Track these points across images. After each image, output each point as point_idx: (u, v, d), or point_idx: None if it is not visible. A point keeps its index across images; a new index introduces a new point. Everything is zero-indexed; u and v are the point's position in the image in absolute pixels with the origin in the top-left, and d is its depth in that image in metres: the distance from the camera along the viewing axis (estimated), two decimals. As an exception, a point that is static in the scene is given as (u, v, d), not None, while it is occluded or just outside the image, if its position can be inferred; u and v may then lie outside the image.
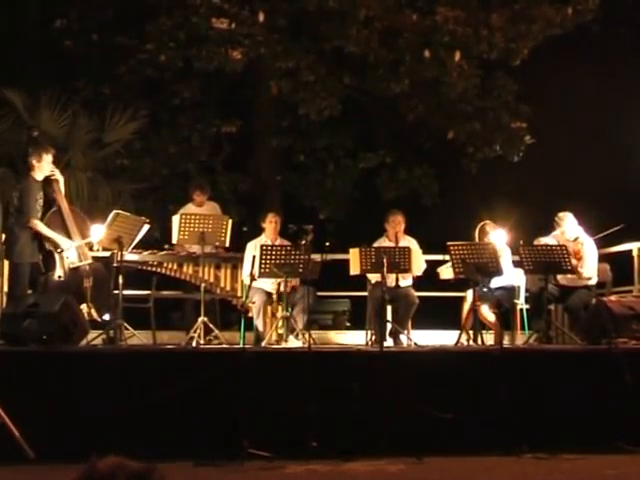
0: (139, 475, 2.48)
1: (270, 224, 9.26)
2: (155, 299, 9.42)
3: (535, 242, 9.03)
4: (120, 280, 8.19)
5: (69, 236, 8.36)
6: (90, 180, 11.63)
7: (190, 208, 9.81)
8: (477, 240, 9.20)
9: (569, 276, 8.92)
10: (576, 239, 9.06)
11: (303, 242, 8.43)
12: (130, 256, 8.59)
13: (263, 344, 8.46)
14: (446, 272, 9.14)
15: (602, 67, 14.11)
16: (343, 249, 9.33)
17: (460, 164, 14.02)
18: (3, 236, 8.65)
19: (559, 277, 9.04)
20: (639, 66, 13.58)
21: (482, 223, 9.31)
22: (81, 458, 2.69)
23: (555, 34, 13.21)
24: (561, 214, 9.22)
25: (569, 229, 9.13)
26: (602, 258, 9.37)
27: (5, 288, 8.84)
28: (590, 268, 9.02)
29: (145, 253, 8.84)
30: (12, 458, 5.88)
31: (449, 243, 8.64)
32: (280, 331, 8.67)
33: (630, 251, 10.12)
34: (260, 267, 8.24)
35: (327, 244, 9.25)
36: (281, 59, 12.88)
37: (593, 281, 9.10)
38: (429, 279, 9.46)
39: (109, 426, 6.29)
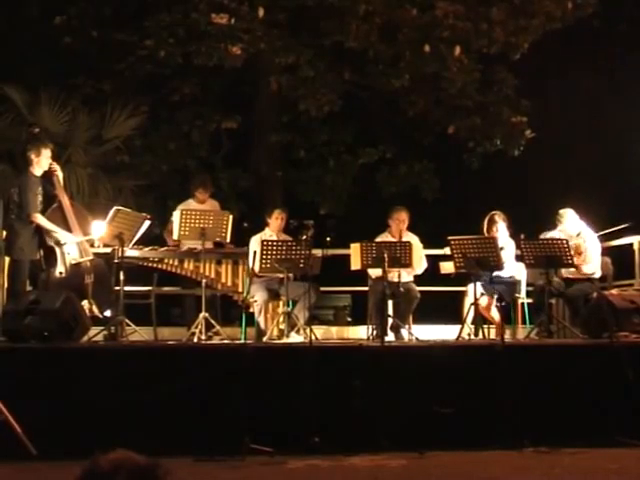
0: (142, 472, 2.46)
1: (276, 220, 9.29)
2: (156, 295, 9.44)
3: (541, 236, 9.03)
4: (121, 276, 8.20)
5: (70, 232, 8.37)
6: (90, 176, 11.64)
7: (191, 204, 9.81)
8: (485, 229, 9.22)
9: (572, 269, 8.93)
10: (578, 234, 9.07)
11: (304, 237, 8.44)
12: (131, 252, 8.59)
13: (264, 340, 8.47)
14: (447, 266, 9.14)
15: (602, 61, 14.10)
16: (343, 244, 9.34)
17: (460, 159, 14.02)
18: (4, 233, 8.65)
19: (563, 270, 9.05)
20: (639, 60, 13.55)
21: (491, 213, 9.33)
22: (83, 454, 2.68)
23: (555, 28, 13.19)
24: (562, 211, 9.23)
25: (570, 225, 9.14)
26: (603, 252, 9.36)
27: (6, 285, 8.83)
28: (592, 264, 9.04)
29: (146, 249, 8.84)
30: (14, 455, 5.90)
31: (450, 237, 8.65)
32: (281, 327, 8.68)
33: (631, 245, 10.12)
34: (261, 262, 8.25)
35: (328, 239, 9.26)
36: (281, 55, 12.86)
37: (597, 275, 9.12)
38: (430, 274, 9.47)
39: (110, 422, 6.30)
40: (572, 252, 8.69)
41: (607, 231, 9.38)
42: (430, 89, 13.38)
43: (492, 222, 9.28)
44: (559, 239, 8.76)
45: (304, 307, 8.64)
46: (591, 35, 14.00)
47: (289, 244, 8.52)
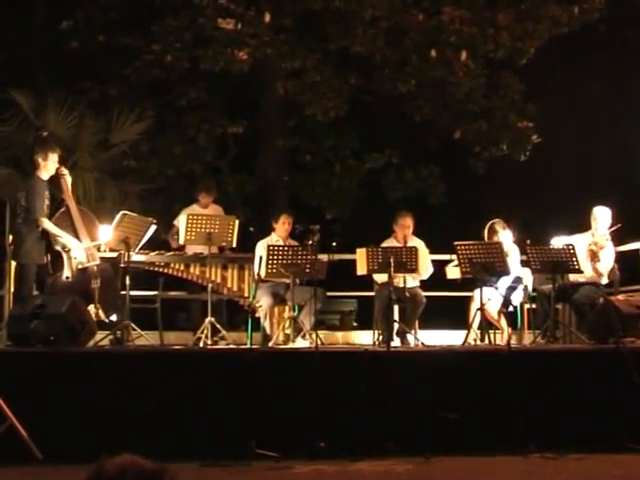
0: (149, 476, 2.45)
1: (283, 225, 9.28)
2: (162, 300, 9.43)
3: (552, 241, 9.01)
4: (127, 281, 8.20)
5: (77, 236, 8.37)
6: (97, 181, 11.64)
7: (194, 209, 9.83)
8: (486, 239, 9.20)
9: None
10: (603, 234, 9.04)
11: (310, 242, 8.44)
12: (137, 257, 8.59)
13: (270, 344, 8.46)
14: (453, 272, 9.13)
15: (608, 66, 14.09)
16: (349, 249, 9.34)
17: (467, 164, 14.02)
18: (10, 237, 8.67)
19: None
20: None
21: (491, 222, 9.30)
22: (88, 459, 2.68)
23: (561, 33, 13.20)
24: (595, 209, 9.18)
25: (603, 224, 9.09)
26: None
27: (13, 289, 8.85)
28: (607, 264, 9.03)
29: (152, 254, 8.84)
30: (20, 459, 5.89)
31: (456, 243, 8.63)
32: (287, 331, 8.67)
33: (637, 250, 10.10)
34: (267, 267, 8.25)
35: (334, 244, 9.27)
36: (287, 59, 12.87)
37: (604, 280, 9.10)
38: (436, 279, 9.46)
39: (115, 427, 6.30)
40: (593, 248, 8.75)
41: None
42: (436, 94, 13.39)
43: (492, 231, 9.24)
44: (566, 244, 8.75)
45: (310, 312, 8.64)
46: (597, 40, 13.98)
47: (295, 249, 8.52)
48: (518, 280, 9.12)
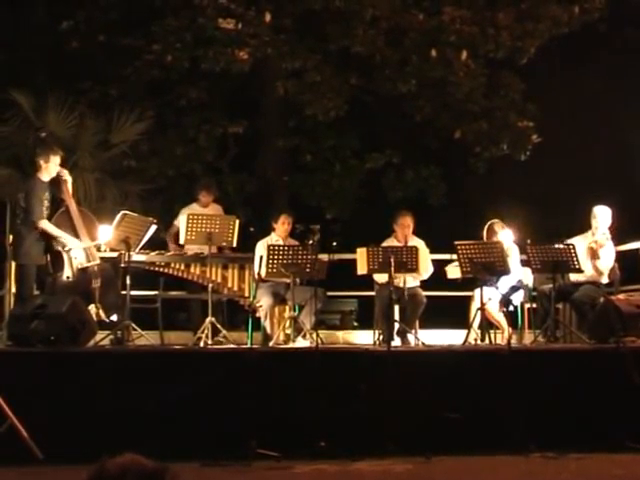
0: (150, 475, 2.45)
1: (283, 225, 9.29)
2: (162, 299, 9.43)
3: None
4: (127, 281, 8.20)
5: (77, 237, 8.37)
6: (97, 181, 11.64)
7: (194, 208, 9.83)
8: (485, 239, 9.20)
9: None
10: (604, 233, 9.04)
11: (310, 242, 8.44)
12: (137, 257, 8.59)
13: (271, 344, 8.47)
14: (453, 271, 9.13)
15: (608, 66, 14.09)
16: (349, 249, 9.34)
17: (467, 164, 14.02)
18: (11, 237, 8.66)
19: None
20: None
21: (490, 222, 9.31)
22: (88, 459, 2.68)
23: (562, 33, 13.20)
24: (595, 208, 9.17)
25: (603, 223, 9.09)
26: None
27: (13, 289, 8.85)
28: (607, 263, 9.03)
29: (152, 254, 8.85)
30: (20, 459, 5.89)
31: (457, 242, 8.63)
32: (287, 331, 8.67)
33: (637, 250, 10.10)
34: (267, 267, 8.25)
35: (334, 244, 9.26)
36: (287, 59, 12.87)
37: (604, 279, 9.10)
38: (437, 279, 9.46)
39: (116, 427, 6.30)
40: (592, 246, 8.75)
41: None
42: (436, 94, 13.38)
43: (491, 232, 9.24)
44: (566, 244, 8.75)
45: (310, 312, 8.64)
46: (597, 40, 13.98)
47: (295, 249, 8.52)
48: (519, 280, 9.13)
